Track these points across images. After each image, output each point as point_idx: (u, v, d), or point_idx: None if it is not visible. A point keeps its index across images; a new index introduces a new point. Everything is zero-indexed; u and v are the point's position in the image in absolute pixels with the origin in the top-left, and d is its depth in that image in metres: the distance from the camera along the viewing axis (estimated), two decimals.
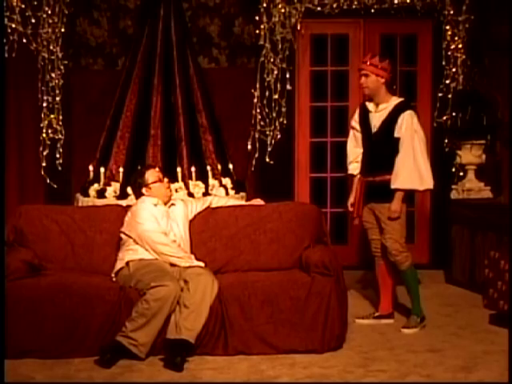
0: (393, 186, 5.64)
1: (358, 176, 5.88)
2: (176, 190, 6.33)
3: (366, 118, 5.81)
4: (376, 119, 5.75)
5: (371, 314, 6.01)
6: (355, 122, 5.94)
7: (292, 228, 5.74)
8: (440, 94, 7.57)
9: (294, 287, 5.21)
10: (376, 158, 5.73)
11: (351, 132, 6.00)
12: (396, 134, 5.64)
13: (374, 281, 6.18)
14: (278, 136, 7.50)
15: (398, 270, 5.79)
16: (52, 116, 7.33)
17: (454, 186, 7.46)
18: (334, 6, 7.45)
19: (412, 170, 5.59)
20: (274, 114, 7.48)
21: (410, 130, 5.61)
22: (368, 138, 5.80)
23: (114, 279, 5.34)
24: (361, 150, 5.88)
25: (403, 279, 5.84)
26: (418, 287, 5.84)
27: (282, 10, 7.37)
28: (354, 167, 5.93)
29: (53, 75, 7.27)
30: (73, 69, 7.58)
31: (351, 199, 5.96)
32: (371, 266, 6.14)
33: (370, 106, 5.81)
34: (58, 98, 7.32)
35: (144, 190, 5.52)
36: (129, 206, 5.67)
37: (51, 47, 7.20)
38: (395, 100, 5.76)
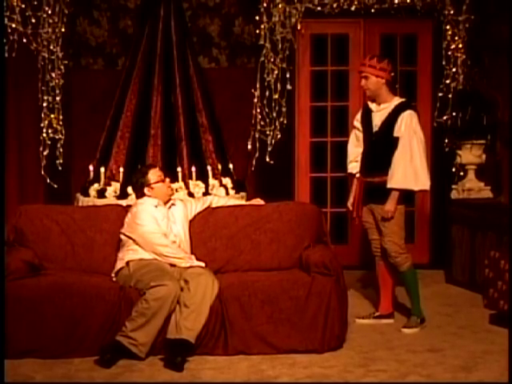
0: (388, 186, 5.63)
1: (358, 176, 5.88)
2: (176, 190, 6.32)
3: (369, 117, 5.80)
4: (377, 119, 5.74)
5: (371, 313, 6.00)
6: (357, 121, 5.93)
7: (292, 228, 5.73)
8: (440, 94, 7.58)
9: (294, 287, 5.20)
10: (375, 158, 5.72)
11: (353, 131, 5.99)
12: (395, 134, 5.62)
13: (374, 281, 6.18)
14: (278, 136, 7.51)
15: (398, 271, 5.78)
16: (52, 116, 7.33)
17: (454, 186, 7.46)
18: (334, 5, 7.46)
19: (407, 170, 5.57)
20: (274, 114, 7.49)
21: (409, 130, 5.59)
22: (369, 138, 5.80)
23: (114, 279, 5.34)
24: (361, 150, 5.88)
25: (403, 280, 5.83)
26: (417, 288, 5.83)
27: (282, 10, 7.37)
28: (354, 166, 5.92)
29: (53, 75, 7.28)
30: (73, 69, 7.60)
31: (351, 199, 5.96)
32: (371, 266, 6.14)
33: (373, 105, 5.80)
34: (58, 98, 7.32)
35: (146, 190, 5.51)
36: (129, 206, 5.66)
37: (51, 47, 7.21)
38: (397, 100, 5.75)
